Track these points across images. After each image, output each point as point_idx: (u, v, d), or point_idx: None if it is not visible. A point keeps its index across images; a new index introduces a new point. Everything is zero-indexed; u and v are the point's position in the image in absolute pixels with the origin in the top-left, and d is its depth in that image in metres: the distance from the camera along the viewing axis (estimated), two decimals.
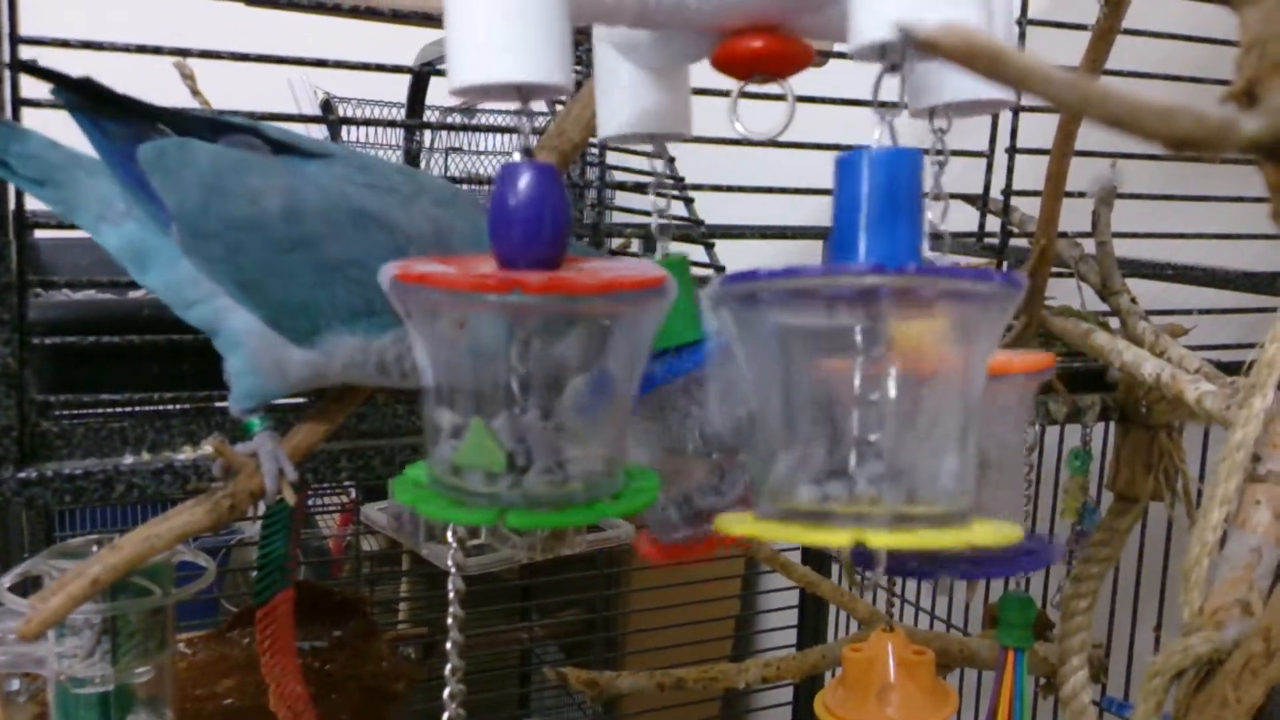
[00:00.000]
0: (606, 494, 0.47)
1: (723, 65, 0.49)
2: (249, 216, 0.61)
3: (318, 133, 1.74)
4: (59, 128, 0.70)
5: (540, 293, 0.42)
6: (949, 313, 0.42)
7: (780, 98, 0.50)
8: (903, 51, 0.42)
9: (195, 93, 0.90)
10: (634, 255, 1.68)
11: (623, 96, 0.53)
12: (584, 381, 0.46)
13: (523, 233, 0.44)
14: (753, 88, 0.50)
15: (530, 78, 0.42)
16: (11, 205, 0.68)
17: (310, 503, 1.72)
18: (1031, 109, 0.94)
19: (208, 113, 0.68)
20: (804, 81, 0.52)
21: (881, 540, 0.41)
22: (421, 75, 1.16)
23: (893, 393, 0.42)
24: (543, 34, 0.43)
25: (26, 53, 0.67)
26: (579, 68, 0.90)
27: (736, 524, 0.44)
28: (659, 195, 0.59)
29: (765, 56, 0.48)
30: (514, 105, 0.46)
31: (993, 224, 1.00)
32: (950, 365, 0.43)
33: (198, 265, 0.63)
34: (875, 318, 0.41)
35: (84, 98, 0.64)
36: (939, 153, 0.48)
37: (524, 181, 0.44)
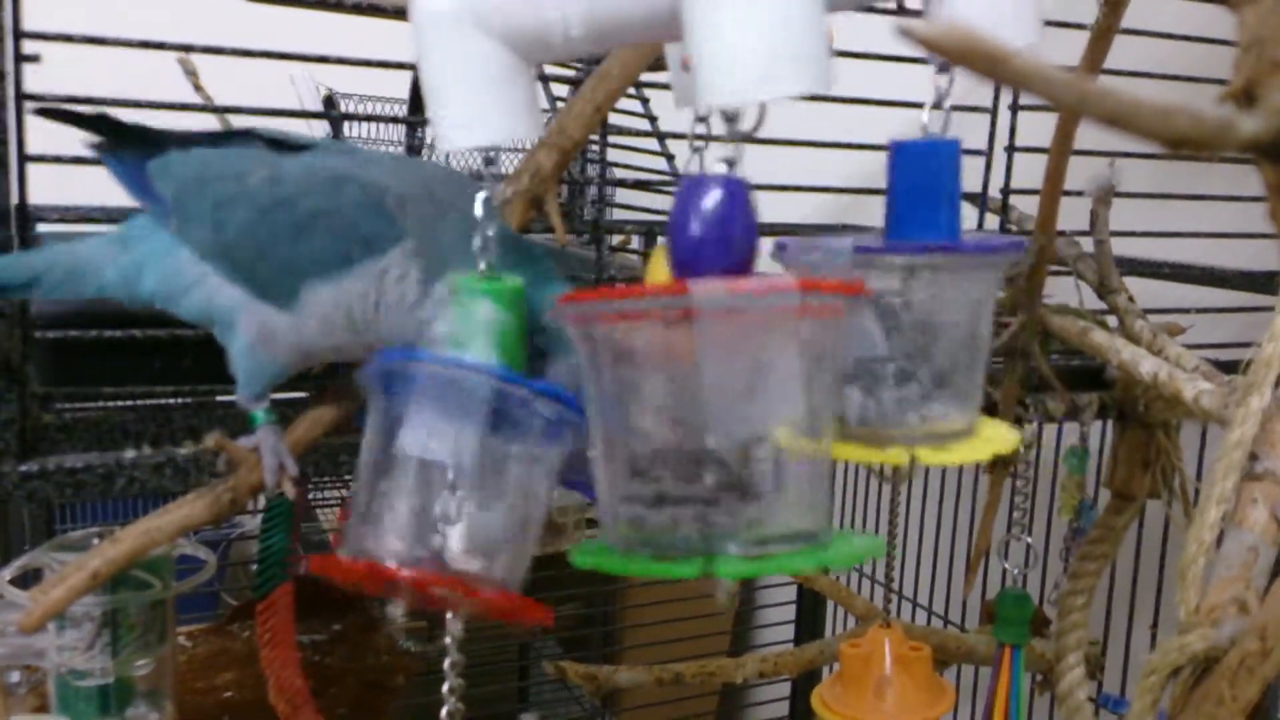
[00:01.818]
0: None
1: None
2: (234, 191, 0.65)
3: (320, 129, 1.74)
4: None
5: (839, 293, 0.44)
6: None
7: None
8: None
9: (198, 88, 0.90)
10: (635, 252, 1.68)
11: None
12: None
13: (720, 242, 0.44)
14: None
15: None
16: (14, 200, 0.69)
17: (311, 496, 1.72)
18: (1030, 108, 0.94)
19: (211, 132, 0.70)
20: None
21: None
22: None
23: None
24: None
25: (29, 47, 0.68)
26: (579, 64, 0.91)
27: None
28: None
29: None
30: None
31: (991, 222, 1.00)
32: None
33: (190, 246, 0.65)
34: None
35: (99, 132, 0.68)
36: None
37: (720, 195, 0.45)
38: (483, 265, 0.52)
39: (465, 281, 0.52)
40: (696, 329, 0.41)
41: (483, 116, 0.46)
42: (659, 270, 0.53)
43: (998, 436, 0.51)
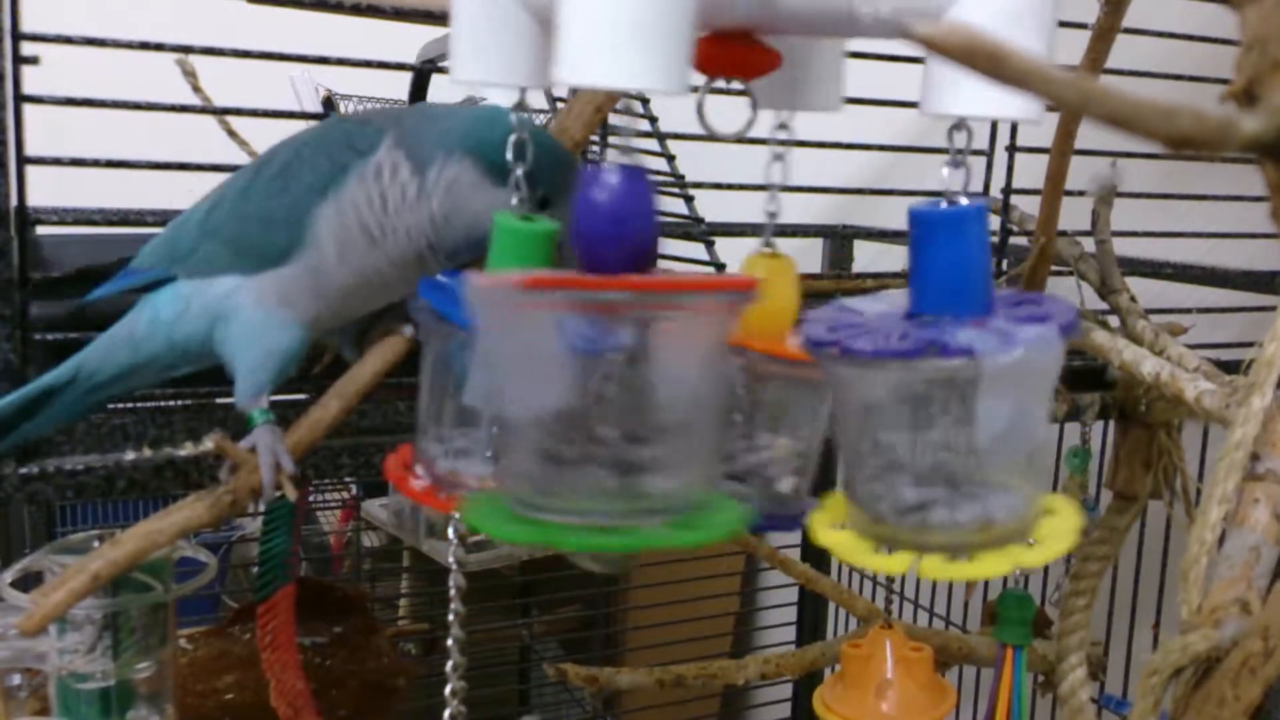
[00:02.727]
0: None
1: (698, 63, 0.49)
2: (220, 191, 0.69)
3: None
4: (58, 119, 0.70)
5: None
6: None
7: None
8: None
9: (196, 89, 0.90)
10: None
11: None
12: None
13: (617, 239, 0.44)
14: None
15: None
16: (14, 201, 0.68)
17: (311, 499, 1.72)
18: None
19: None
20: None
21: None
22: (423, 72, 1.15)
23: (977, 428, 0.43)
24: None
25: (28, 49, 0.67)
26: None
27: (825, 534, 0.46)
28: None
29: (734, 61, 0.48)
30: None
31: (993, 222, 1.00)
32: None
33: (193, 266, 0.68)
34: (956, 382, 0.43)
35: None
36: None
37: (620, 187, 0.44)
38: (515, 202, 0.52)
39: (501, 220, 0.52)
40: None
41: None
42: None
43: (1051, 530, 0.46)
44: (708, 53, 0.48)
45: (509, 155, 0.50)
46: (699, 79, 0.50)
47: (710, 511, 0.45)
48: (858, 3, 0.43)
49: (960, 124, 0.45)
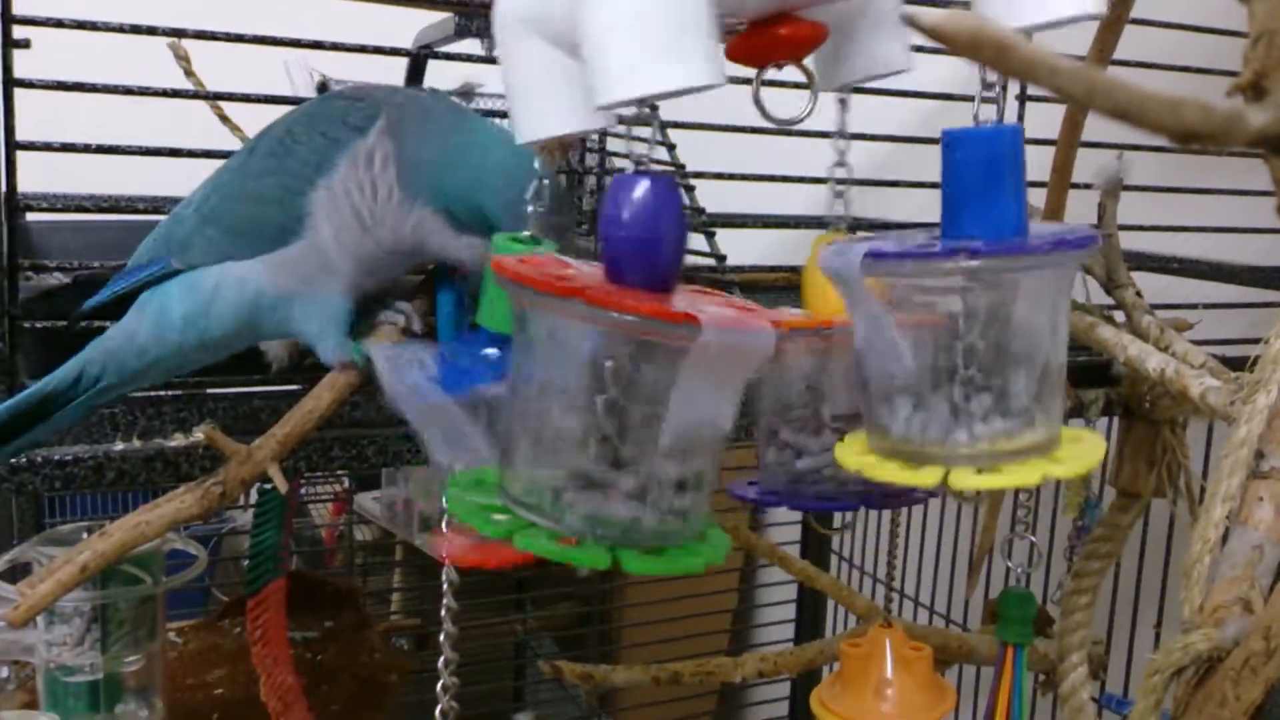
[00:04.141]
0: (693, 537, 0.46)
1: (742, 56, 0.48)
2: (214, 178, 0.69)
3: None
4: (48, 104, 0.69)
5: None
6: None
7: (781, 84, 0.49)
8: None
9: (189, 74, 0.89)
10: None
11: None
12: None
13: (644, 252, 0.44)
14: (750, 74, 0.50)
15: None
16: (3, 187, 0.68)
17: (303, 492, 1.72)
18: (1038, 99, 0.93)
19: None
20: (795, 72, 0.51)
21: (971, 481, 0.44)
22: (419, 58, 1.14)
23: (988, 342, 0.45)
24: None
25: (19, 32, 0.67)
26: None
27: (850, 455, 0.47)
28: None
29: (789, 42, 0.48)
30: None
31: None
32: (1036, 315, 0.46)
33: (190, 255, 0.67)
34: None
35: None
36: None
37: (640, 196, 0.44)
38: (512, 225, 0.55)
39: (499, 241, 0.54)
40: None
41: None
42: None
43: (1074, 452, 0.47)
44: (752, 43, 0.47)
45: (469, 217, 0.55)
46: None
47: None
48: None
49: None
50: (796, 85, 0.53)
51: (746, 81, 0.81)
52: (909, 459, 0.46)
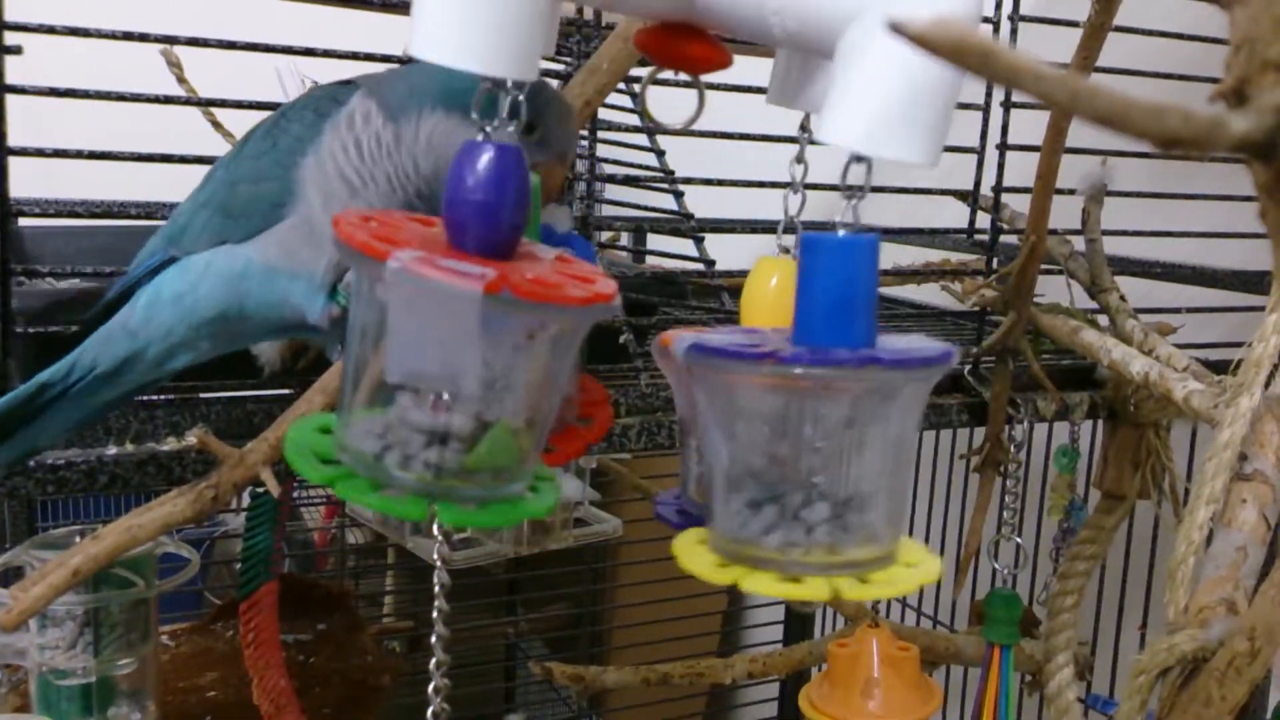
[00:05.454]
0: (519, 491, 0.47)
1: (642, 50, 0.48)
2: (212, 172, 0.70)
3: None
4: (41, 110, 0.69)
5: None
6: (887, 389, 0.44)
7: (747, 89, 0.50)
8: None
9: (181, 81, 0.89)
10: (623, 249, 1.68)
11: None
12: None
13: (479, 216, 0.44)
14: (746, 79, 0.50)
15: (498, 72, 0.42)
16: None
17: (295, 495, 1.71)
18: (1022, 106, 0.94)
19: None
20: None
21: (815, 592, 0.43)
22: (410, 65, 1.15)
23: (837, 447, 0.44)
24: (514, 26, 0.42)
25: (11, 39, 0.67)
26: (568, 59, 0.90)
27: (690, 556, 0.46)
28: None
29: (686, 56, 0.48)
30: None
31: (983, 220, 1.00)
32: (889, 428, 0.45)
33: (185, 243, 0.67)
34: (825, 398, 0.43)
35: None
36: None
37: (484, 162, 0.44)
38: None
39: None
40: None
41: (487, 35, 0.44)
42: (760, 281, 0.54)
43: (921, 565, 0.46)
44: (654, 41, 0.47)
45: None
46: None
47: None
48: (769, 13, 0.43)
49: (860, 157, 0.44)
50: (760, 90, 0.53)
51: (735, 89, 0.82)
52: (746, 562, 0.45)
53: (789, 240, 0.55)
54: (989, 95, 0.96)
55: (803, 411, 0.43)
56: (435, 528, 0.67)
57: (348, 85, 0.66)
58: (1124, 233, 1.01)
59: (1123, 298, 0.95)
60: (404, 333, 0.42)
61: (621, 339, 0.82)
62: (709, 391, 0.45)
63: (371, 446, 0.44)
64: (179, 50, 0.86)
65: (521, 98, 0.45)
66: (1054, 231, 0.93)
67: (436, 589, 0.65)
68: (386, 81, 0.65)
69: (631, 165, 1.04)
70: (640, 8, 0.47)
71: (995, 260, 0.97)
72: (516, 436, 0.45)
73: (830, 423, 0.43)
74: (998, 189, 0.97)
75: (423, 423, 0.43)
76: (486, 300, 0.40)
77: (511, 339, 0.44)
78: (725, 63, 0.49)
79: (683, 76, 0.50)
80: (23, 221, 0.84)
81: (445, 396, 0.43)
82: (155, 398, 0.72)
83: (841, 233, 0.45)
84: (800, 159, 0.53)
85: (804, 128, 0.54)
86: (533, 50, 0.43)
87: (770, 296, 0.55)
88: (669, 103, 0.56)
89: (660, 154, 1.02)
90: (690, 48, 0.47)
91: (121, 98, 0.73)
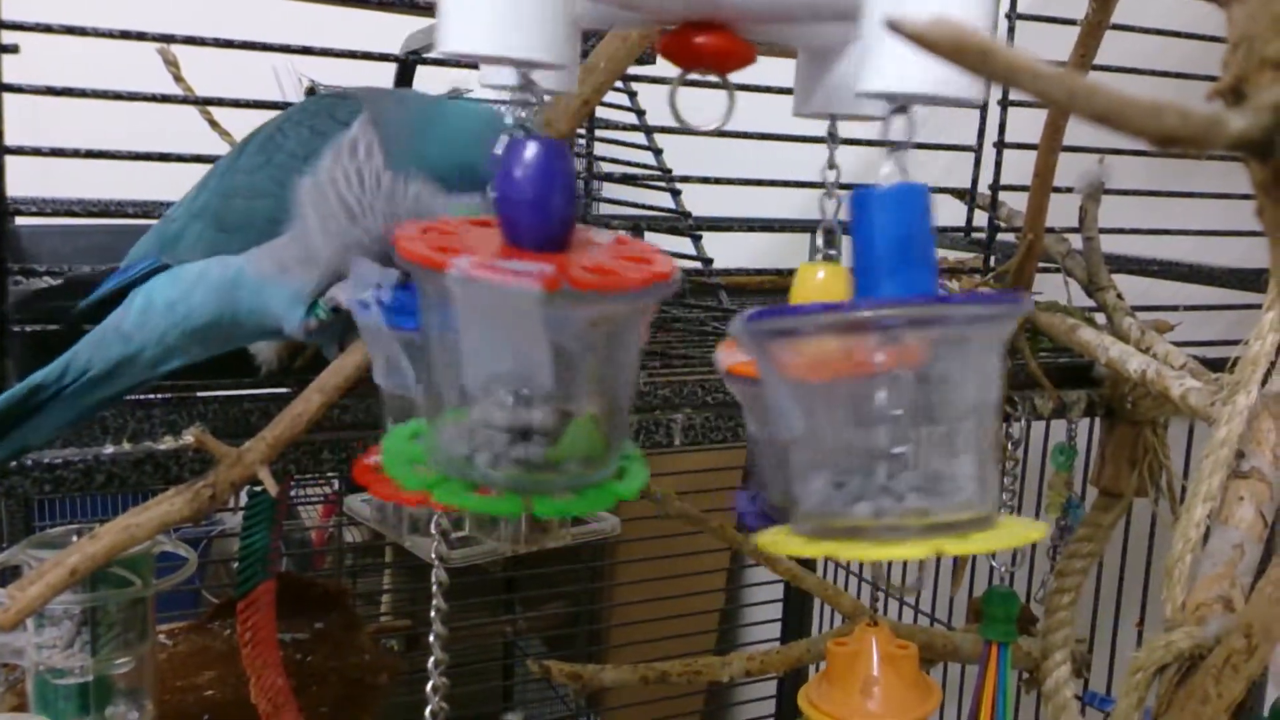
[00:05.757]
0: (609, 475, 0.47)
1: (667, 54, 0.49)
2: (207, 177, 0.70)
3: None
4: (38, 109, 0.69)
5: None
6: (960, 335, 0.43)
7: (767, 89, 0.50)
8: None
9: (178, 79, 0.89)
10: None
11: None
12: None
13: (530, 212, 0.44)
14: (743, 79, 0.50)
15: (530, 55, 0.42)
16: None
17: (293, 494, 1.71)
18: (1020, 104, 0.94)
19: None
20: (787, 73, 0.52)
21: (916, 551, 0.42)
22: (407, 63, 1.15)
23: (916, 410, 0.42)
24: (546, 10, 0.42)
25: (8, 37, 0.67)
26: None
27: (777, 541, 0.45)
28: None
29: (710, 53, 0.48)
30: (501, 92, 0.46)
31: (980, 218, 1.00)
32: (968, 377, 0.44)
33: (179, 251, 0.68)
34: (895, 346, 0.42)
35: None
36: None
37: (529, 158, 0.44)
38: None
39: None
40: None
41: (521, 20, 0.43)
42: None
43: (1021, 526, 0.45)
44: (676, 43, 0.48)
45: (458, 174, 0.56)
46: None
47: None
48: None
49: (902, 108, 0.44)
50: (783, 91, 0.53)
51: (738, 87, 0.82)
52: (838, 535, 0.44)
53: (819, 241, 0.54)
54: (986, 93, 0.96)
55: (875, 374, 0.42)
56: (433, 526, 0.67)
57: (346, 101, 0.66)
58: (1121, 231, 1.01)
59: (1120, 296, 0.95)
60: (475, 336, 0.43)
61: None
62: (779, 364, 0.44)
63: (461, 450, 0.45)
64: (176, 49, 0.86)
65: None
66: (1051, 229, 0.93)
67: (434, 587, 0.65)
68: (388, 112, 0.65)
69: (629, 164, 1.04)
70: (660, 10, 0.47)
71: (993, 258, 0.97)
72: (597, 422, 0.46)
73: (904, 383, 0.42)
74: (995, 187, 0.97)
75: (506, 422, 0.44)
76: (547, 296, 0.41)
77: (577, 328, 0.44)
78: (750, 57, 0.49)
79: (691, 76, 0.50)
80: (20, 220, 0.84)
81: (524, 393, 0.44)
82: (152, 396, 0.72)
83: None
84: (831, 164, 0.53)
85: (831, 134, 0.54)
86: (566, 35, 0.43)
87: (819, 290, 0.54)
88: (675, 103, 0.56)
89: (658, 152, 1.02)
90: (717, 45, 0.47)
91: (119, 96, 0.73)
